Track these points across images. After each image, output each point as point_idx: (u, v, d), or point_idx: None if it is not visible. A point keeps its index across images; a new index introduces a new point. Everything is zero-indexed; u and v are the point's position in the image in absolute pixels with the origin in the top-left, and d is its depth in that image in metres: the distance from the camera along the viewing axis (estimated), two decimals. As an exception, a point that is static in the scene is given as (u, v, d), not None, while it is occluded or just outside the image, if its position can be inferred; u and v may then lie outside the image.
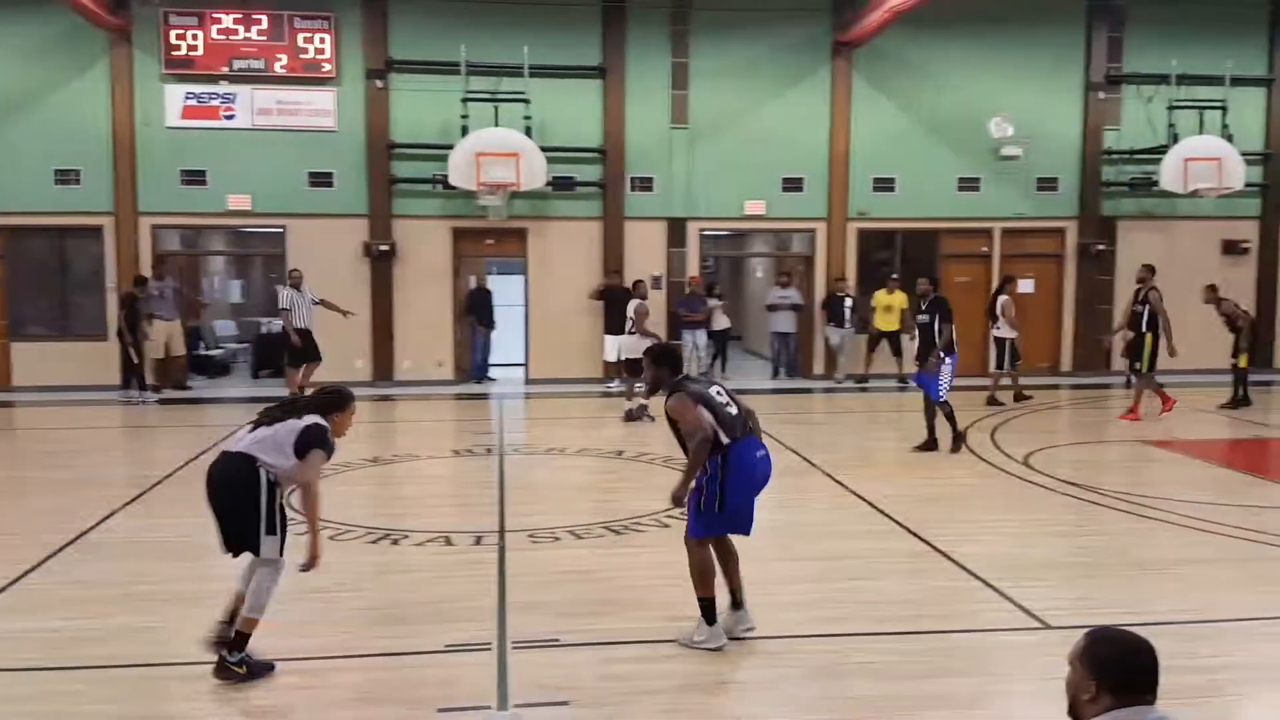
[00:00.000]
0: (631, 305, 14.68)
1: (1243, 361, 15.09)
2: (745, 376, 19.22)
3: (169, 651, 6.03)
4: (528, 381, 18.15)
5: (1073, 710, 3.02)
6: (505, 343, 18.76)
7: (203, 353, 19.22)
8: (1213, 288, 15.67)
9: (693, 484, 5.96)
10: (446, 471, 11.62)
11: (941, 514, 9.28)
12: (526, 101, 16.99)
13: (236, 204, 17.32)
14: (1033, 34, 18.34)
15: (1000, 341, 15.76)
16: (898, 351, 17.66)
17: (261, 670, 5.63)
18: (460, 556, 8.04)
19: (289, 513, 5.76)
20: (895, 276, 17.86)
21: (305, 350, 15.66)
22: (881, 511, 9.21)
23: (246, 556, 5.65)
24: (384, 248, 17.45)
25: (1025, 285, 18.74)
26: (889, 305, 17.70)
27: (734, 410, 6.08)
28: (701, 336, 17.46)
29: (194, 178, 17.17)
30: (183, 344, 17.28)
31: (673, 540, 8.37)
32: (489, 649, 6.07)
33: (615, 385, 16.88)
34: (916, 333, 12.21)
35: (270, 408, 5.89)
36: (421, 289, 17.65)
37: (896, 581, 7.31)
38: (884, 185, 18.41)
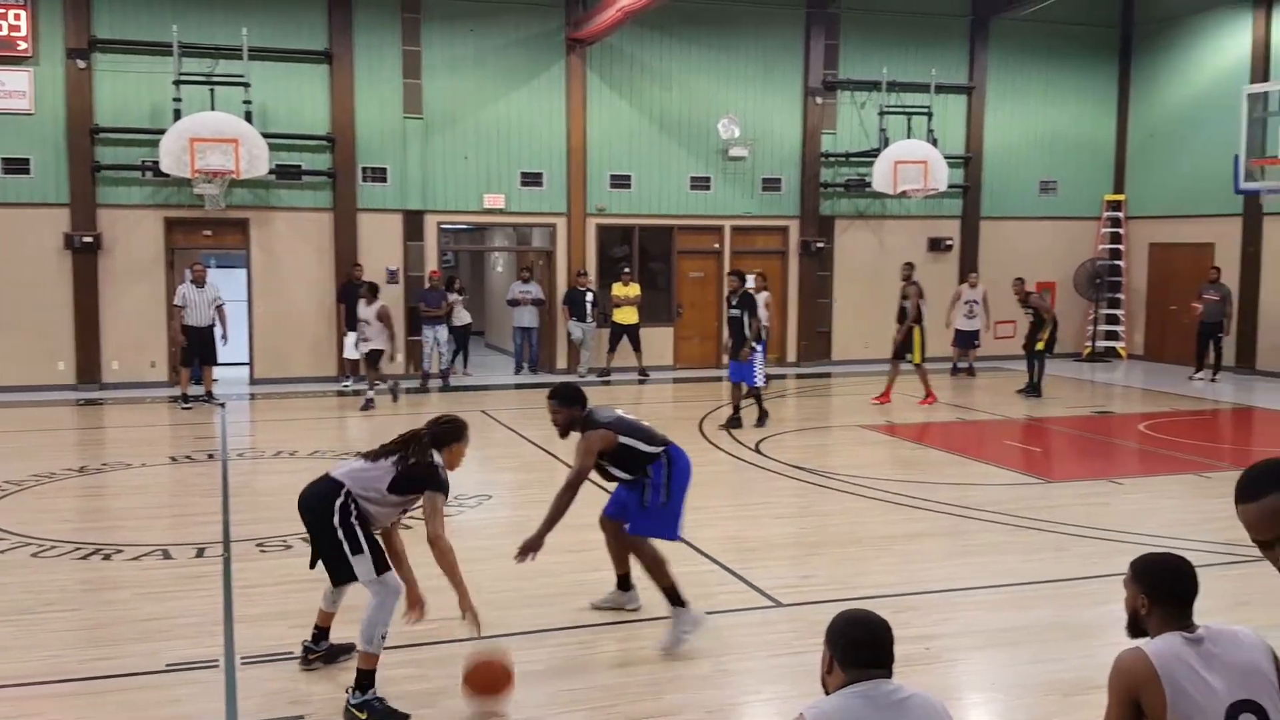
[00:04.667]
0: (374, 309, 14.54)
1: (1041, 345, 16.00)
2: (488, 372, 19.11)
3: None
4: (253, 381, 17.26)
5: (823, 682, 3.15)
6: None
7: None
8: (1019, 280, 16.84)
9: (647, 487, 6.10)
10: (163, 480, 10.88)
11: (726, 498, 9.50)
12: (246, 85, 16.16)
13: (-83, 190, 15.61)
14: (756, 39, 19.12)
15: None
16: (637, 345, 18.01)
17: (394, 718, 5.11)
18: (180, 570, 7.54)
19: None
20: (627, 270, 18.19)
21: (195, 349, 14.99)
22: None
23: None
24: (87, 239, 16.13)
25: (751, 282, 19.57)
26: (625, 296, 18.00)
27: (645, 422, 6.31)
28: (442, 332, 17.17)
29: None
30: None
31: (411, 543, 8.19)
32: (216, 666, 5.75)
33: (349, 383, 16.36)
34: (728, 325, 13.26)
35: (387, 444, 5.49)
36: (131, 284, 16.44)
37: (636, 570, 7.39)
38: (621, 182, 18.72)
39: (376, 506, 5.36)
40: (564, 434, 6.26)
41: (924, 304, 15.23)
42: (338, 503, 5.28)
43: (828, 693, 3.07)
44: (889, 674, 3.05)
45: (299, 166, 17.09)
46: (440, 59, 17.65)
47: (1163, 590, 3.14)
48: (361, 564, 5.28)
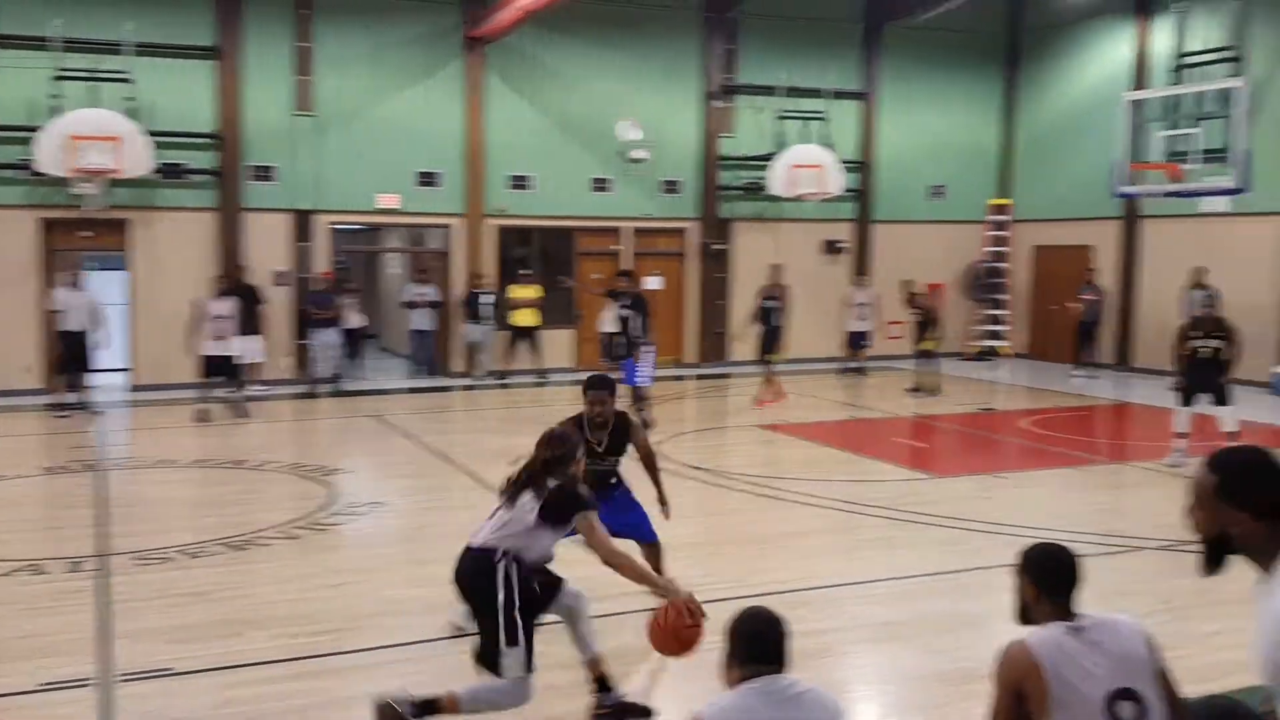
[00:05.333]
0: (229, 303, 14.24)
1: (929, 346, 16.28)
2: (383, 375, 18.79)
3: None
4: (133, 388, 16.60)
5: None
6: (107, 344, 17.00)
7: None
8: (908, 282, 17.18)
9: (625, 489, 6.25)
10: (34, 492, 10.35)
11: None
12: (129, 81, 15.63)
13: None
14: (657, 42, 19.18)
15: None
16: (535, 347, 17.90)
17: None
18: (53, 585, 7.21)
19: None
20: (525, 272, 18.07)
21: (70, 356, 14.36)
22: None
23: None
24: (-41, 240, 15.43)
25: (654, 282, 19.67)
26: (524, 298, 17.85)
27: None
28: (334, 335, 16.79)
29: None
30: None
31: (303, 552, 8.02)
32: (93, 684, 5.52)
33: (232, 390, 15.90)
34: (620, 325, 13.16)
35: (512, 484, 5.02)
36: (4, 287, 15.69)
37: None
38: (520, 183, 18.58)
39: (536, 544, 4.92)
40: (605, 425, 6.13)
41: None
42: (500, 569, 4.80)
43: (728, 686, 3.10)
44: (784, 669, 3.09)
45: (183, 165, 16.58)
46: (333, 56, 17.30)
47: (1049, 580, 3.24)
48: (513, 660, 4.78)
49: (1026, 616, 3.28)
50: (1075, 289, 18.60)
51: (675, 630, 4.80)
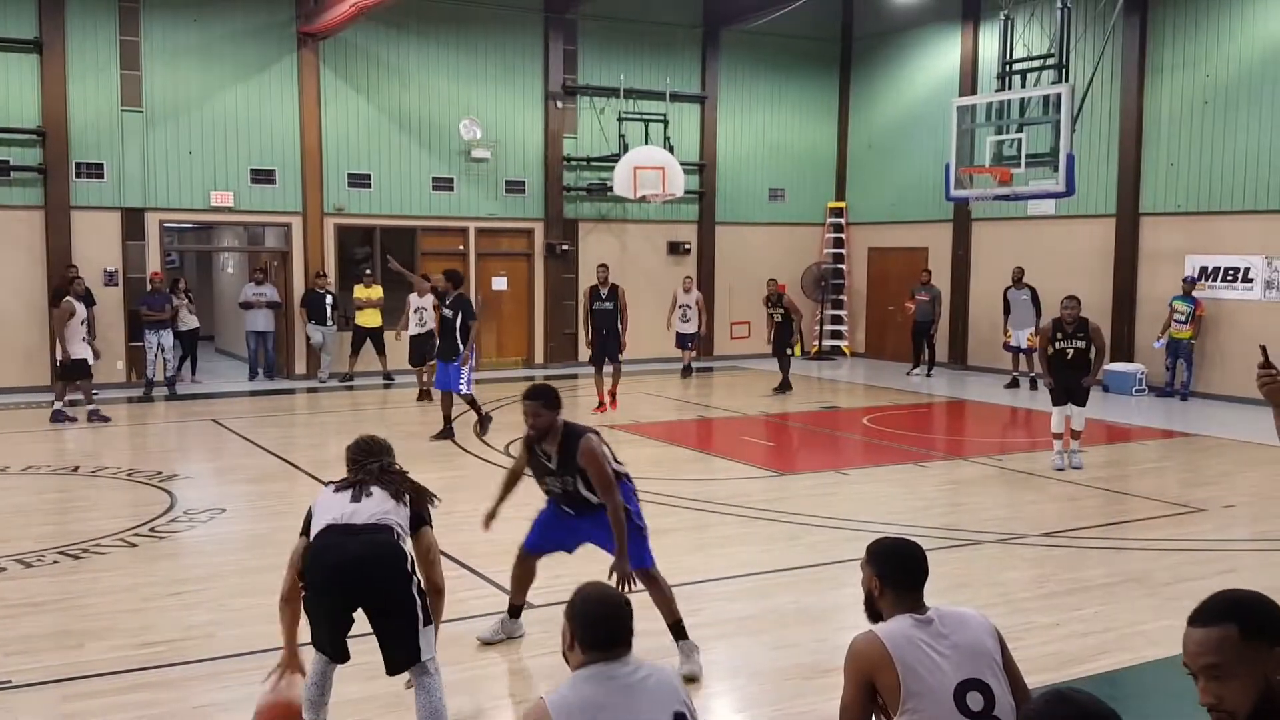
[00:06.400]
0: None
1: (797, 351, 16.62)
2: (219, 379, 18.21)
3: None
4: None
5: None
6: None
7: None
8: (772, 281, 17.28)
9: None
10: None
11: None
12: (-56, 73, 14.80)
13: None
14: (496, 41, 19.13)
15: None
16: (381, 349, 17.63)
17: None
18: (-127, 602, 6.81)
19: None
20: (369, 272, 17.80)
21: None
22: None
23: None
24: None
25: (500, 283, 19.61)
26: (367, 299, 17.57)
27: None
28: (168, 337, 16.20)
29: None
30: None
31: (141, 560, 7.75)
32: (-80, 702, 5.26)
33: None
34: (438, 328, 12.71)
35: (361, 477, 4.64)
36: None
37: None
38: (360, 181, 18.28)
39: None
40: (540, 439, 5.57)
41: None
42: (409, 556, 4.48)
43: (571, 668, 3.05)
44: (628, 651, 3.03)
45: (7, 162, 15.80)
46: (161, 49, 16.71)
47: (895, 573, 3.31)
48: (427, 638, 4.49)
49: (873, 610, 3.35)
50: (910, 290, 19.29)
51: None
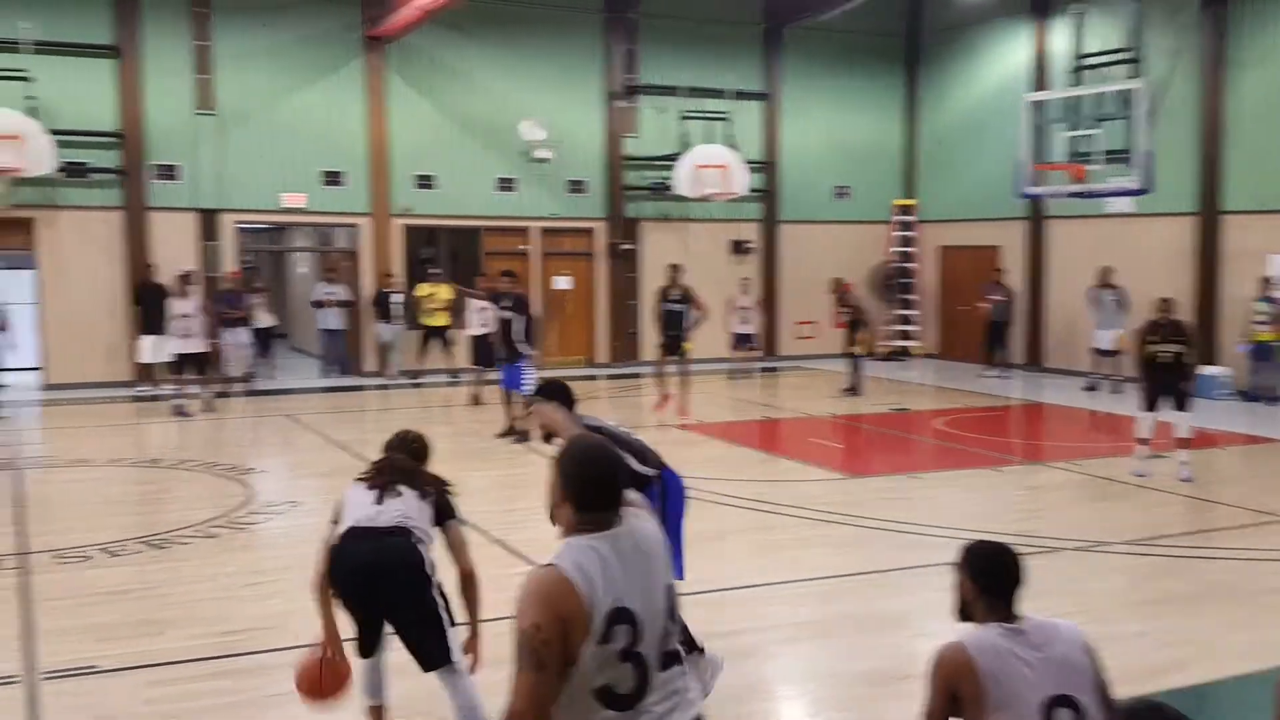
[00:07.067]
0: (193, 301, 14.29)
1: (861, 349, 16.45)
2: (294, 375, 18.55)
3: None
4: (45, 387, 16.23)
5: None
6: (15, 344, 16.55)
7: None
8: (839, 280, 17.15)
9: None
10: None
11: (493, 503, 9.46)
12: (28, 80, 15.30)
13: None
14: (557, 42, 19.21)
15: None
16: (447, 347, 17.82)
17: None
18: (-29, 585, 7.07)
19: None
20: (435, 270, 17.98)
21: None
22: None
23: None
24: None
25: (562, 282, 19.70)
26: (432, 294, 17.72)
27: (636, 437, 5.52)
28: (244, 334, 16.58)
29: None
30: None
31: (220, 551, 7.94)
32: (16, 682, 5.49)
33: (147, 388, 15.90)
34: (499, 328, 12.57)
35: (385, 477, 4.70)
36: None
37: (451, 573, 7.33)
38: (425, 182, 18.49)
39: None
40: (546, 438, 5.41)
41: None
42: (428, 560, 4.50)
43: (554, 523, 2.87)
44: (620, 509, 2.82)
45: (86, 164, 16.23)
46: (232, 54, 17.07)
47: (989, 579, 3.19)
48: (455, 639, 4.55)
49: (966, 614, 3.23)
50: (982, 289, 18.96)
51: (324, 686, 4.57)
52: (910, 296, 21.96)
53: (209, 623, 6.35)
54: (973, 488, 10.49)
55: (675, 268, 14.57)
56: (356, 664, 4.68)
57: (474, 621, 4.64)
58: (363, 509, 4.53)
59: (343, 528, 4.53)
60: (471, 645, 4.66)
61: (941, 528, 8.42)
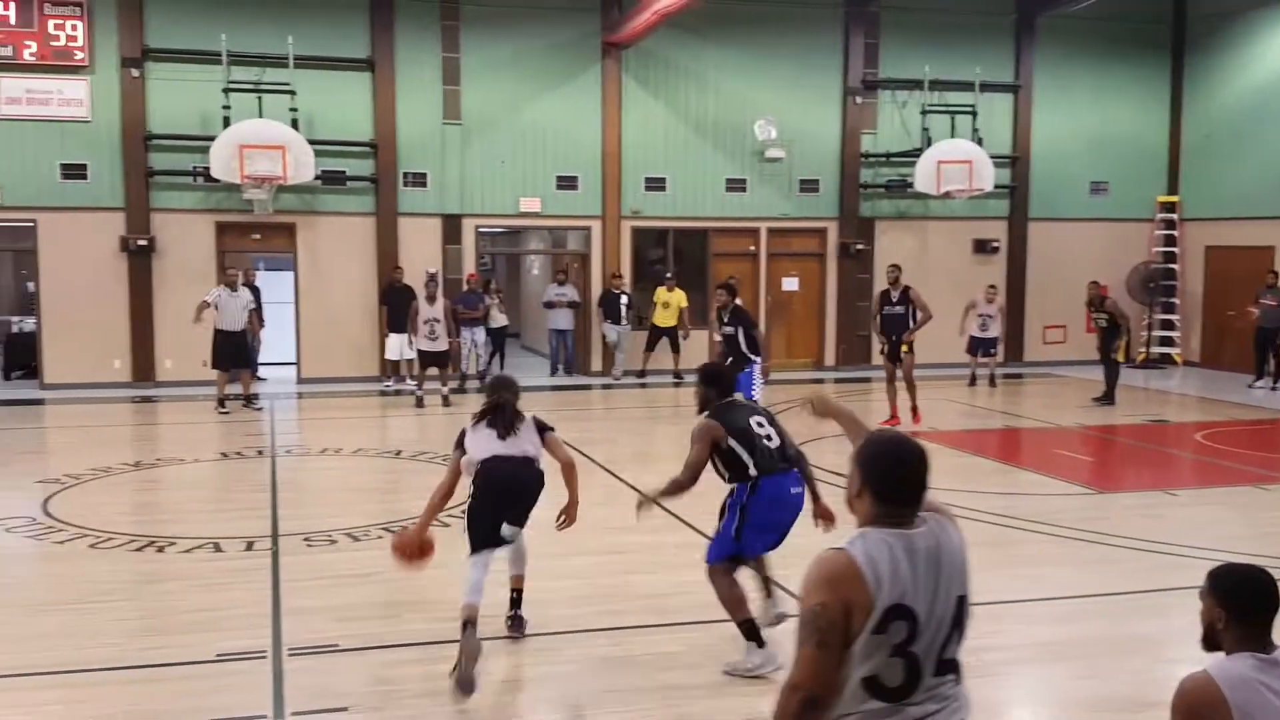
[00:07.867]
0: (441, 305, 15.15)
1: (1120, 356, 15.75)
2: (524, 373, 18.98)
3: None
4: (299, 381, 17.45)
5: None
6: (274, 341, 17.88)
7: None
8: (1094, 284, 16.37)
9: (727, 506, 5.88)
10: (214, 475, 11.04)
11: (712, 506, 9.36)
12: (292, 93, 16.38)
13: (-18, 197, 15.98)
14: (793, 39, 18.97)
15: None
16: (676, 348, 17.95)
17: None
18: (230, 563, 7.64)
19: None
20: (670, 275, 18.13)
21: (227, 354, 15.10)
22: (659, 505, 9.28)
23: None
24: (142, 242, 16.52)
25: (790, 283, 19.45)
26: (667, 302, 17.93)
27: (774, 443, 5.85)
28: (480, 334, 17.28)
29: (-66, 168, 15.74)
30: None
31: (454, 541, 8.20)
32: (264, 657, 5.83)
33: (391, 384, 16.71)
34: (721, 342, 12.54)
35: (508, 418, 5.98)
36: (184, 285, 16.59)
37: (670, 574, 7.33)
38: (655, 184, 18.68)
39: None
40: (699, 411, 6.09)
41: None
42: (543, 478, 5.98)
43: (852, 512, 2.85)
44: (919, 508, 2.78)
45: (343, 172, 17.28)
46: (478, 65, 17.73)
47: (1241, 605, 2.93)
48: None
49: (1212, 643, 2.99)
50: (1254, 293, 17.55)
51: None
52: (1172, 300, 20.50)
53: (443, 607, 6.47)
54: (1234, 506, 9.75)
55: (895, 268, 13.95)
56: (467, 563, 5.75)
57: (573, 494, 6.01)
58: (493, 441, 5.88)
59: (483, 455, 5.85)
60: (569, 511, 6.06)
61: (1197, 548, 7.79)
